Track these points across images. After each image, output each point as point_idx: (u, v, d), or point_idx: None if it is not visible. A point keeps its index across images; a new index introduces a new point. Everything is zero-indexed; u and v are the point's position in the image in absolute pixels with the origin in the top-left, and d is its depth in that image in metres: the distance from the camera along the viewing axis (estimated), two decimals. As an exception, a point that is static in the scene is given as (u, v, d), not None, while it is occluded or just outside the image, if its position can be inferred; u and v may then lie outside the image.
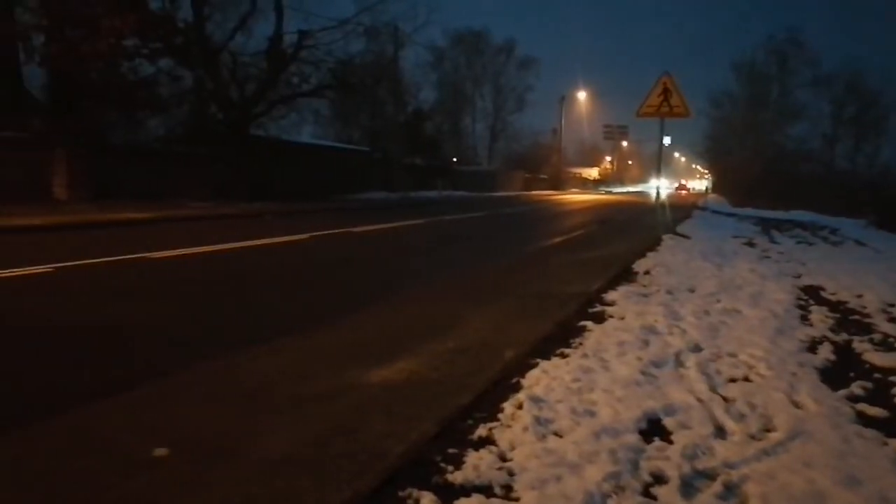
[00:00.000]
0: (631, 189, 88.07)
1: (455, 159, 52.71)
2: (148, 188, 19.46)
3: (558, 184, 67.05)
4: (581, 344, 4.51)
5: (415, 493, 2.36)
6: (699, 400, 3.41)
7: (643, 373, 3.81)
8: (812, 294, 7.07)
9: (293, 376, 3.73)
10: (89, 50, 17.07)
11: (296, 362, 4.04)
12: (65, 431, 2.94)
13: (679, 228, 15.46)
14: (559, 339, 4.65)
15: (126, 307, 5.72)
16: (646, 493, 2.45)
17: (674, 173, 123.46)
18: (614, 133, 70.87)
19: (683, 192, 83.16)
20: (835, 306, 6.44)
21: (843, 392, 3.68)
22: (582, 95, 70.05)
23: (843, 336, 5.14)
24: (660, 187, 17.60)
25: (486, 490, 2.42)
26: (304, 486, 2.37)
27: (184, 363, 4.02)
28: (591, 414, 3.14)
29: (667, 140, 14.20)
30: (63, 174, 17.89)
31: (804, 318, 5.75)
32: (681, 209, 26.99)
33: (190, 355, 4.25)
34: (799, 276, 8.29)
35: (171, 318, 5.42)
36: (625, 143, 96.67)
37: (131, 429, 2.93)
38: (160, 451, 2.63)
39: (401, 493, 2.36)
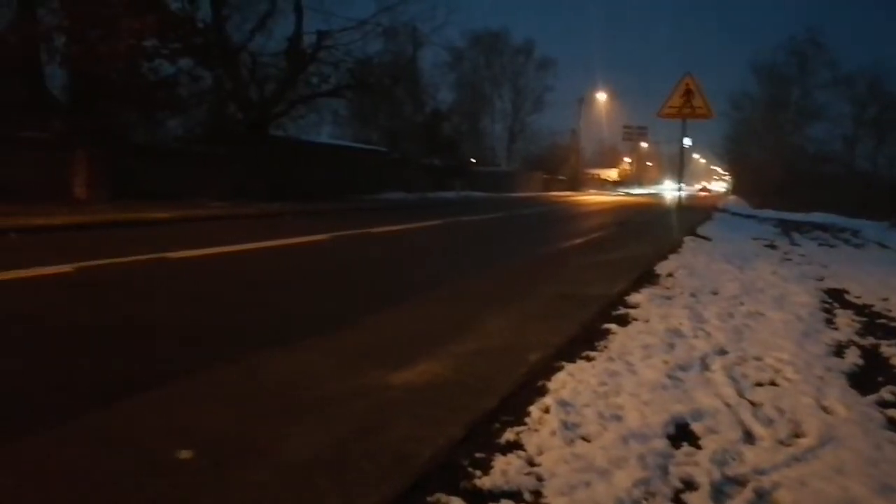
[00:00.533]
0: (650, 190, 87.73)
1: (473, 160, 52.73)
2: (167, 188, 19.59)
3: (577, 185, 66.99)
4: (606, 347, 4.46)
5: (443, 498, 2.32)
6: (726, 404, 3.36)
7: (669, 376, 3.76)
8: (836, 297, 6.97)
9: (314, 377, 3.70)
10: (108, 50, 17.20)
11: (317, 363, 4.02)
12: (87, 432, 2.93)
13: (699, 230, 15.33)
14: (583, 341, 4.60)
15: (144, 307, 5.74)
16: (676, 499, 2.40)
17: (693, 175, 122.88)
18: (633, 134, 70.51)
19: (704, 193, 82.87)
20: (860, 310, 6.34)
21: (872, 397, 3.61)
22: (601, 96, 69.99)
23: (870, 340, 5.05)
24: (680, 188, 17.51)
25: (516, 496, 2.38)
26: (328, 489, 2.34)
27: (204, 364, 4.00)
28: (619, 418, 3.10)
29: (687, 141, 14.10)
30: (83, 174, 18.04)
31: (829, 322, 5.66)
32: (701, 211, 26.76)
33: (210, 356, 4.24)
34: (822, 279, 8.19)
35: (190, 318, 5.43)
36: (644, 144, 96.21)
37: (153, 430, 2.91)
38: (185, 454, 2.61)
39: (429, 499, 2.32)
